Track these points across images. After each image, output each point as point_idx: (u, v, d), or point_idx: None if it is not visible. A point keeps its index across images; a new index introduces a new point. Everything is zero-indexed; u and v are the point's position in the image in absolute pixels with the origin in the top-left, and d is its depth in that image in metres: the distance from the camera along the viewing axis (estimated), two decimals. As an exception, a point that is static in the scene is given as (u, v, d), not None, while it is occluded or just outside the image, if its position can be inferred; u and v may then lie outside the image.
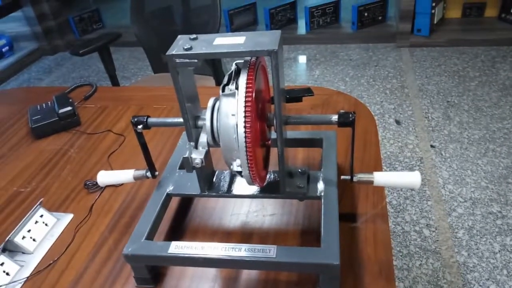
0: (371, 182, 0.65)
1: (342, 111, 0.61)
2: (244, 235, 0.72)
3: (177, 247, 0.60)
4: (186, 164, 0.62)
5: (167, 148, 0.95)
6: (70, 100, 1.11)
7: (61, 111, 1.06)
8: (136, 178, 0.73)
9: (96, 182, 0.79)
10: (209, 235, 0.73)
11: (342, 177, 0.67)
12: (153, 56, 1.78)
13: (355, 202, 0.76)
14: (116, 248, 0.72)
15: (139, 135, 0.67)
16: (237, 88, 0.55)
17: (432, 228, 1.57)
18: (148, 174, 0.72)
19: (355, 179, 0.66)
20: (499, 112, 2.16)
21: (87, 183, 0.87)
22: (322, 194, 0.66)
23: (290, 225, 0.73)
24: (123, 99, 1.20)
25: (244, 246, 0.59)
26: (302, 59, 2.99)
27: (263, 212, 0.76)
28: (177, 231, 0.74)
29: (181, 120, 0.63)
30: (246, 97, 0.53)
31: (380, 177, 0.65)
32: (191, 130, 0.62)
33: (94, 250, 0.73)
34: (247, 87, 0.54)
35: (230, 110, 0.55)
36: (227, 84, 0.57)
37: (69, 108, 1.07)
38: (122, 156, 0.96)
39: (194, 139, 0.63)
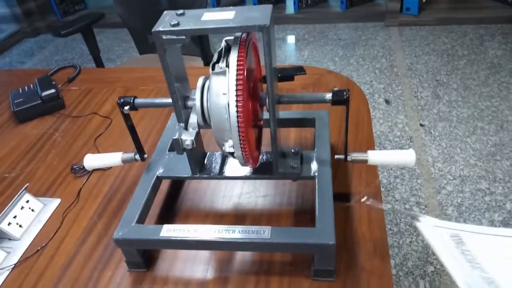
0: (365, 161, 0.65)
1: (335, 89, 0.59)
2: (237, 217, 0.71)
3: (169, 230, 0.59)
4: (176, 146, 0.60)
5: (156, 130, 0.92)
6: (53, 82, 1.07)
7: (44, 94, 1.02)
8: (124, 161, 0.71)
9: (83, 166, 0.77)
10: (201, 218, 0.71)
11: (336, 156, 0.66)
12: (138, 37, 1.73)
13: (348, 182, 0.75)
14: (106, 233, 0.71)
15: (126, 117, 0.65)
16: (227, 66, 0.53)
17: (422, 206, 1.58)
18: (137, 156, 0.70)
19: (349, 158, 0.65)
20: (487, 90, 2.17)
21: (74, 167, 0.85)
22: (316, 174, 0.65)
23: (283, 206, 0.72)
24: (109, 81, 1.17)
25: (238, 228, 0.58)
26: (291, 39, 2.95)
27: (256, 193, 0.75)
28: (168, 215, 0.73)
29: (169, 100, 0.61)
30: (237, 75, 0.51)
31: (374, 156, 0.64)
32: (180, 111, 0.60)
33: (83, 235, 0.71)
34: (238, 65, 0.51)
35: (221, 89, 0.53)
36: (217, 62, 0.55)
37: (52, 90, 1.03)
38: (109, 139, 0.93)
39: (183, 120, 0.61)
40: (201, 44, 1.42)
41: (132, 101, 0.63)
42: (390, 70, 2.44)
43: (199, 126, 0.61)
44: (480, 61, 2.43)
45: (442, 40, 2.69)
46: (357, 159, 0.65)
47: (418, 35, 2.79)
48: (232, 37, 0.56)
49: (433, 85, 2.27)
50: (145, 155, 0.71)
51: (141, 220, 0.63)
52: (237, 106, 0.51)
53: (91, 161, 0.71)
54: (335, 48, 2.73)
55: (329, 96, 0.59)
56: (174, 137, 0.59)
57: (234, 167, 0.69)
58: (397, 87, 2.29)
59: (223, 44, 0.56)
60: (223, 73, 0.53)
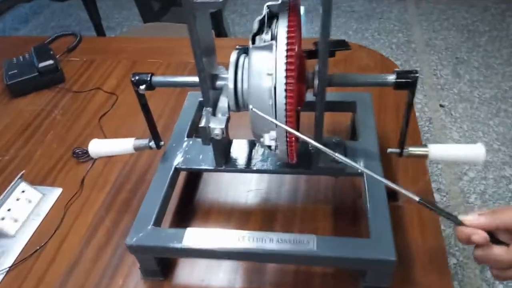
0: (425, 156, 0.54)
1: (398, 69, 0.48)
2: (266, 216, 0.61)
3: (193, 237, 0.49)
4: (203, 135, 0.49)
5: (169, 110, 0.82)
6: (52, 52, 0.95)
7: (41, 65, 0.91)
8: (137, 149, 0.60)
9: (87, 150, 0.67)
10: (224, 217, 0.62)
11: (389, 150, 0.55)
12: (142, 3, 1.59)
13: (393, 176, 0.65)
14: (115, 231, 0.61)
15: (141, 97, 0.54)
16: (274, 38, 0.42)
17: (443, 193, 1.50)
18: (152, 144, 0.60)
19: (405, 153, 0.54)
20: (510, 70, 2.05)
21: (76, 151, 0.75)
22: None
23: (318, 203, 0.62)
24: (113, 51, 1.05)
25: (276, 236, 0.48)
26: (301, 10, 2.78)
27: (286, 188, 0.65)
28: (186, 212, 0.63)
29: (194, 79, 0.50)
30: (287, 50, 0.40)
31: (436, 151, 0.54)
32: (208, 92, 0.49)
33: (88, 233, 0.61)
34: (288, 37, 0.40)
35: (265, 68, 0.42)
36: (259, 33, 0.44)
37: (50, 61, 0.91)
38: (115, 118, 0.82)
39: (211, 104, 0.50)
40: (214, 18, 1.29)
41: (149, 79, 0.52)
42: (407, 45, 2.31)
43: (229, 111, 0.50)
44: (503, 38, 2.29)
45: (462, 15, 2.54)
46: (415, 153, 0.54)
47: (436, 8, 2.63)
48: (274, 2, 0.45)
49: (453, 63, 2.14)
50: (161, 142, 0.60)
51: (158, 221, 0.53)
52: (286, 90, 0.41)
53: (98, 147, 0.61)
54: (348, 21, 2.58)
55: (392, 77, 0.48)
56: (201, 125, 0.49)
57: (263, 157, 0.59)
58: (414, 64, 2.16)
59: (264, 10, 0.45)
60: (268, 47, 0.42)
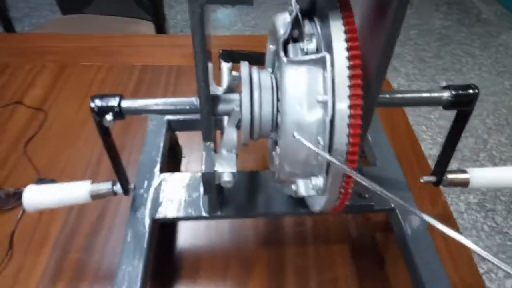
0: (466, 184, 0.45)
1: (451, 84, 0.38)
2: (272, 267, 0.48)
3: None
4: (206, 184, 0.35)
5: (119, 130, 0.64)
6: None
7: None
8: (96, 197, 0.43)
9: (13, 192, 0.49)
10: (218, 272, 0.48)
11: (425, 179, 0.45)
12: (60, -8, 1.34)
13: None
14: (69, 311, 0.44)
15: (105, 131, 0.37)
16: (326, 48, 0.29)
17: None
18: (117, 188, 0.43)
19: (444, 181, 0.45)
20: (441, 63, 2.13)
21: (-3, 193, 0.55)
22: (397, 208, 0.45)
23: (332, 243, 0.51)
24: (33, 52, 0.83)
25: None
26: (233, 1, 2.64)
27: (290, 227, 0.52)
28: (165, 270, 0.48)
29: (185, 102, 0.36)
30: (351, 67, 0.28)
31: (479, 176, 0.45)
32: (211, 121, 0.35)
33: (29, 318, 0.44)
34: (350, 47, 0.28)
35: (312, 93, 0.29)
36: (292, 38, 0.31)
37: None
38: (47, 144, 0.63)
39: (212, 137, 0.36)
40: (152, 1, 1.10)
41: (117, 104, 0.36)
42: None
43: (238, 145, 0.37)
44: (431, 32, 2.38)
45: (391, 8, 2.60)
46: (456, 180, 0.45)
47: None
48: None
49: (389, 56, 2.16)
50: (131, 186, 0.44)
51: (142, 303, 0.37)
52: (350, 125, 0.28)
53: (37, 198, 0.43)
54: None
55: (446, 94, 0.37)
56: (203, 170, 0.34)
57: (269, 195, 0.46)
58: (353, 58, 2.15)
59: (294, 6, 0.32)
60: (319, 62, 0.29)
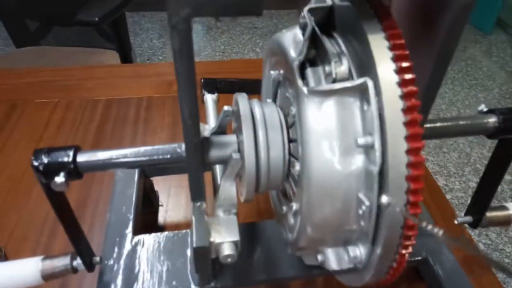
0: (508, 222, 0.38)
1: (498, 108, 0.31)
2: None
3: None
4: (200, 260, 0.26)
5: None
6: None
7: None
8: (49, 277, 0.33)
9: None
10: None
11: (460, 220, 0.38)
12: (13, 23, 1.23)
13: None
14: None
15: (55, 197, 0.27)
16: (361, 72, 0.21)
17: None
18: (78, 263, 0.33)
19: (484, 220, 0.37)
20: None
21: None
22: (429, 255, 0.37)
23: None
24: (-23, 91, 0.72)
25: None
26: (201, 27, 2.59)
27: (303, 286, 0.43)
28: None
29: (163, 151, 0.27)
30: (404, 96, 0.20)
31: (522, 213, 0.38)
32: (199, 174, 0.26)
33: None
34: (400, 70, 0.20)
35: (347, 132, 0.21)
36: (308, 61, 0.23)
37: None
38: (-7, 201, 0.52)
39: (203, 195, 0.27)
40: (115, 29, 1.01)
41: (71, 159, 0.26)
42: (316, 60, 2.27)
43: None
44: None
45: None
46: (497, 219, 0.38)
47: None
48: (316, 4, 0.24)
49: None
50: (97, 259, 0.34)
51: None
52: (410, 178, 0.20)
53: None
54: (253, 38, 2.45)
55: (493, 120, 0.30)
56: (196, 245, 0.25)
57: (272, 253, 0.37)
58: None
59: (308, 19, 0.23)
60: (355, 91, 0.21)
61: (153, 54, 2.14)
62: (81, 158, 0.26)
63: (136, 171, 0.45)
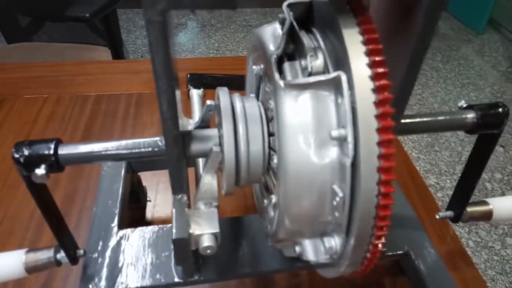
0: (488, 217, 0.39)
1: (477, 103, 0.31)
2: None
3: None
4: (180, 252, 0.26)
5: (72, 171, 0.54)
6: None
7: None
8: (33, 270, 0.33)
9: None
10: None
11: (441, 214, 0.38)
12: (4, 18, 1.22)
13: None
14: None
15: (37, 189, 0.27)
16: (336, 66, 0.21)
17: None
18: (62, 256, 0.33)
19: (465, 215, 0.38)
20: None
21: None
22: (408, 248, 0.38)
23: (334, 297, 0.42)
24: (-34, 86, 0.71)
25: None
26: (195, 24, 2.59)
27: (288, 279, 0.44)
28: None
29: (144, 141, 0.27)
30: (376, 89, 0.20)
31: (502, 206, 0.39)
32: (179, 169, 0.26)
33: None
34: (374, 63, 0.20)
35: (321, 125, 0.21)
36: (287, 55, 0.23)
37: None
38: (-20, 195, 0.52)
39: (185, 188, 0.27)
40: (107, 25, 1.01)
41: (52, 152, 0.26)
42: (309, 58, 2.27)
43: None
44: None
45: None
46: (477, 214, 0.38)
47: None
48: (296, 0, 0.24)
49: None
50: (81, 251, 0.34)
51: None
52: (381, 169, 0.20)
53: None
54: (247, 36, 2.45)
55: (471, 116, 0.31)
56: (175, 236, 0.25)
57: (256, 246, 0.37)
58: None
59: (287, 14, 0.24)
60: (329, 84, 0.21)
61: (146, 51, 2.13)
62: (62, 150, 0.27)
63: (123, 166, 0.45)
